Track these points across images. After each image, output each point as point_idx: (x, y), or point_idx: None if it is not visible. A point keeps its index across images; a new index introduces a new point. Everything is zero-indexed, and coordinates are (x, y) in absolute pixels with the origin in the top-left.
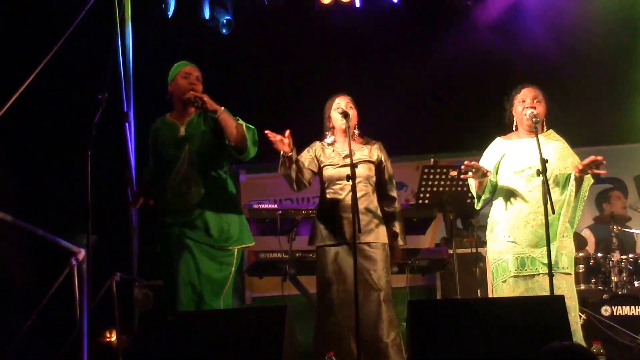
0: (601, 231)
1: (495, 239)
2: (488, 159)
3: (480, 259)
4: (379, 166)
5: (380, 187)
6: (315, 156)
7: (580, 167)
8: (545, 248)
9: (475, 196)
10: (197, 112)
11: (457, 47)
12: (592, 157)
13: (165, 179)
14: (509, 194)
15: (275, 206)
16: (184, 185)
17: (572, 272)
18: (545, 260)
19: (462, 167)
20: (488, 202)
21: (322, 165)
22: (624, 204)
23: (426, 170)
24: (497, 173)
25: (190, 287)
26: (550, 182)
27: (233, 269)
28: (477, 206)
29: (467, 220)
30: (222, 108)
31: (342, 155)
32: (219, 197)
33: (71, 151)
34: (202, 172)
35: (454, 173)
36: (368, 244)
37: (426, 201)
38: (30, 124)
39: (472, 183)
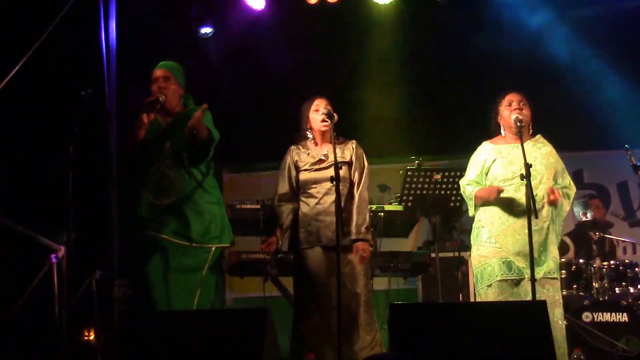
0: (581, 237)
1: (481, 244)
2: (476, 163)
3: (463, 262)
4: (350, 165)
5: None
6: (294, 165)
7: (547, 203)
8: (535, 258)
9: (471, 205)
10: (181, 110)
11: (443, 50)
12: (550, 198)
13: (145, 174)
14: (499, 202)
15: (258, 207)
16: (167, 180)
17: (558, 277)
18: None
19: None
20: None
21: (298, 170)
22: (603, 213)
23: (410, 173)
24: (486, 177)
25: (163, 286)
26: (539, 189)
27: (207, 266)
28: (471, 213)
29: (450, 224)
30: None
31: (316, 158)
32: (201, 193)
33: (52, 148)
34: (183, 170)
35: (437, 176)
36: (346, 246)
37: (409, 204)
38: (11, 120)
39: (472, 195)
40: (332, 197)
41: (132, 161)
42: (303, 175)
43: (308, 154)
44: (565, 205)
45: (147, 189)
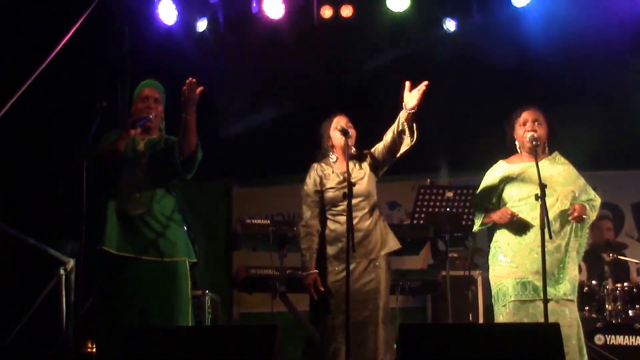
0: (594, 259)
1: (498, 264)
2: (490, 181)
3: (473, 282)
4: (374, 163)
5: (382, 149)
6: (319, 181)
7: (570, 219)
8: (552, 277)
9: (479, 223)
10: (159, 135)
11: (455, 66)
12: (575, 215)
13: (112, 189)
14: (514, 221)
15: (268, 222)
16: (136, 192)
17: (575, 299)
18: (550, 289)
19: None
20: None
21: (323, 188)
22: (612, 235)
23: (422, 191)
24: (499, 198)
25: (142, 312)
26: (555, 207)
27: (188, 281)
28: (476, 229)
29: (461, 243)
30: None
31: (341, 177)
32: (167, 210)
33: (65, 159)
34: (153, 184)
35: (449, 194)
36: (371, 260)
37: (421, 221)
38: (25, 132)
39: (482, 215)
40: (361, 213)
41: (103, 168)
42: (329, 194)
43: (333, 172)
44: (592, 216)
45: (115, 199)
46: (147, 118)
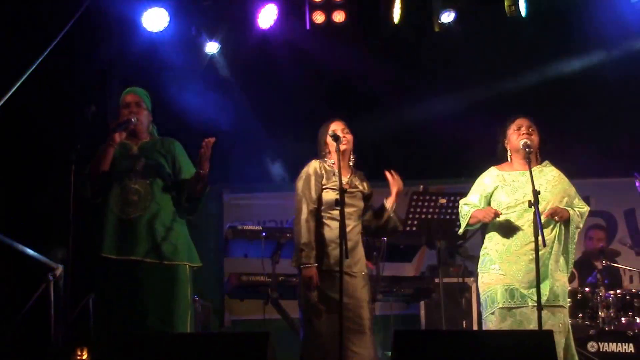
0: (587, 266)
1: (486, 271)
2: (480, 186)
3: (466, 289)
4: (368, 197)
5: (370, 212)
6: (322, 175)
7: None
8: (539, 286)
9: (464, 224)
10: (152, 138)
11: (448, 75)
12: (549, 212)
13: (112, 192)
14: (502, 228)
15: (260, 228)
16: (135, 195)
17: (566, 305)
18: (536, 298)
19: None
20: (474, 232)
21: (323, 186)
22: (605, 245)
23: (415, 197)
24: (488, 204)
25: (141, 315)
26: (542, 215)
27: (188, 286)
28: (461, 231)
29: (455, 249)
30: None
31: (344, 181)
32: (168, 213)
33: (52, 164)
34: (152, 186)
35: (443, 201)
36: (354, 273)
37: (414, 228)
38: (13, 137)
39: (468, 214)
40: (353, 223)
41: (97, 178)
42: (328, 195)
43: (334, 174)
44: (578, 221)
45: (113, 204)
46: (129, 121)
